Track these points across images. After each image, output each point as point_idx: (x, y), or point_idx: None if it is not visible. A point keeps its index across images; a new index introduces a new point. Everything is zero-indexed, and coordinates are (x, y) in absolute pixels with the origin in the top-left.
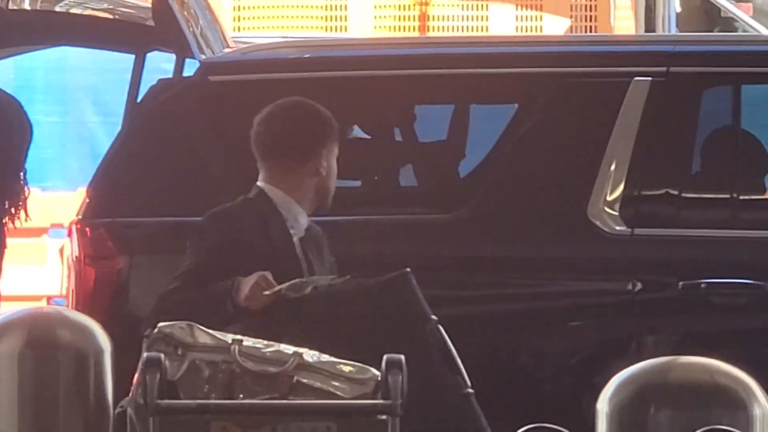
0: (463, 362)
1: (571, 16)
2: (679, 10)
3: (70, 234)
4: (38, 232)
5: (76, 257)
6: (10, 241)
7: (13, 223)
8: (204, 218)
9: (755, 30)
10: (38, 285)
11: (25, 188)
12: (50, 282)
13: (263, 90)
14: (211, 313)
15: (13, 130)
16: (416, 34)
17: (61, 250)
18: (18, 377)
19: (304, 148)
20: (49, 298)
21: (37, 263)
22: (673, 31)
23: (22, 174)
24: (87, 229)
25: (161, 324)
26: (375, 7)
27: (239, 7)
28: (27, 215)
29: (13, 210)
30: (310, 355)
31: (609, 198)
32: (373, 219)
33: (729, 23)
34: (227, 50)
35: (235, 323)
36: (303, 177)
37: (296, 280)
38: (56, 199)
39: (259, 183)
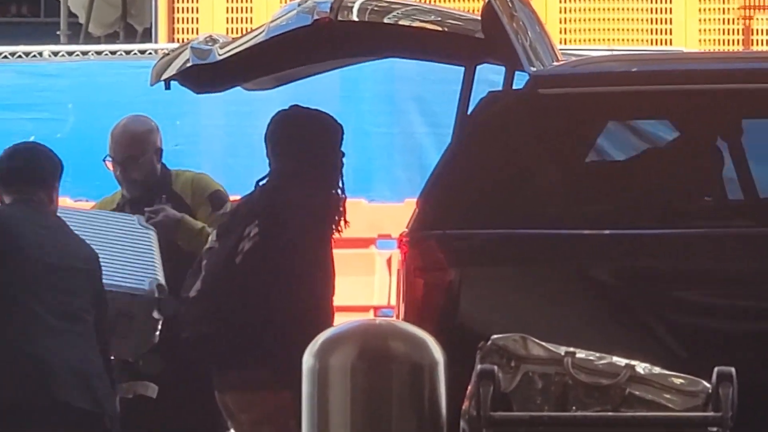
0: None
1: None
2: None
3: (400, 245)
4: (366, 242)
5: (407, 269)
6: (338, 252)
7: (338, 231)
8: None
9: None
10: (366, 296)
11: (343, 196)
12: (378, 293)
13: (593, 104)
14: None
15: (318, 138)
16: (740, 47)
17: (389, 261)
18: (350, 389)
19: None
20: (376, 309)
21: (365, 274)
22: None
23: (338, 182)
24: (418, 240)
25: (495, 336)
26: (700, 20)
27: (566, 19)
28: (347, 223)
29: (336, 218)
30: (642, 367)
31: None
32: (709, 232)
33: None
34: (556, 63)
35: None
36: None
37: None
38: (383, 210)
39: None
